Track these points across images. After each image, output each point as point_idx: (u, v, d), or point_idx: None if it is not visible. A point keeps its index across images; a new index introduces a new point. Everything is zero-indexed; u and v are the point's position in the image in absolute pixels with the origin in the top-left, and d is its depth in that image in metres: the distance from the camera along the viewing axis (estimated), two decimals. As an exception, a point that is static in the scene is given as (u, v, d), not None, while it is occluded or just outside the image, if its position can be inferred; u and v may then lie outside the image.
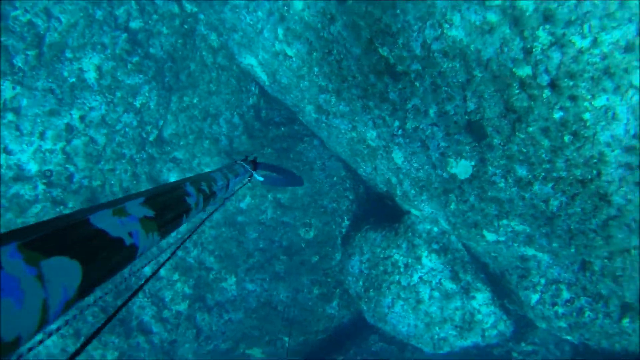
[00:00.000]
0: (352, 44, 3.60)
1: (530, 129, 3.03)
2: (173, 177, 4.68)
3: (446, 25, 3.02)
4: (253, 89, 5.10)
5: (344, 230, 5.28)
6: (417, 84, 3.42)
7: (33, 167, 4.00)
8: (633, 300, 3.45)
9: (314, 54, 3.93)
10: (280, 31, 4.03)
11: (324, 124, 4.54)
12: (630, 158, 2.77)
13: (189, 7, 4.81)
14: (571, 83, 2.73)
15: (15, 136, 3.90)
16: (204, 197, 1.34)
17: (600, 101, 2.72)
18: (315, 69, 4.05)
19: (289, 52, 4.12)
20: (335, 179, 5.26)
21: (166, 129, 4.64)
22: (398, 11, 3.18)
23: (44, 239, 0.65)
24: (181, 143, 4.71)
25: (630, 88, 2.63)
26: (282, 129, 5.24)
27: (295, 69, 4.20)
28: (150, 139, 4.51)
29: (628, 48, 2.61)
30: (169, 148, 4.69)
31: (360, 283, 4.80)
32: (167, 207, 1.06)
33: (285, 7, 3.87)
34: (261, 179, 2.25)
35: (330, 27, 3.63)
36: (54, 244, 0.65)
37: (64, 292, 0.65)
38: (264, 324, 5.19)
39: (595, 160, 2.89)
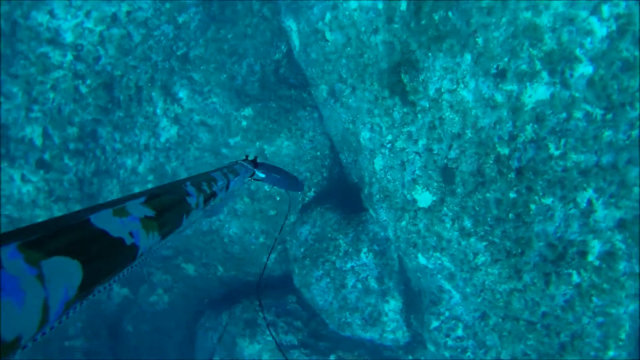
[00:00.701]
0: (383, 58, 4.09)
1: (488, 195, 3.63)
2: (182, 94, 5.13)
3: (461, 85, 3.55)
4: (282, 47, 5.52)
5: (307, 199, 5.85)
6: (419, 116, 3.95)
7: (69, 37, 4.38)
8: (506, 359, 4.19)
9: (348, 49, 4.40)
10: (328, 16, 4.47)
11: (329, 106, 5.04)
12: (548, 252, 3.42)
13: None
14: (532, 177, 3.33)
15: (64, 5, 4.26)
16: (205, 196, 1.38)
17: (547, 200, 3.33)
18: (343, 61, 4.52)
19: (327, 36, 4.57)
20: (318, 153, 5.78)
21: (194, 51, 5.05)
22: (430, 54, 3.68)
23: (45, 239, 0.66)
24: (202, 67, 5.14)
25: (572, 202, 3.25)
26: (292, 91, 5.70)
27: (327, 52, 4.66)
28: (178, 53, 4.93)
29: (584, 171, 3.21)
30: (190, 67, 5.12)
31: (302, 249, 5.41)
32: (168, 207, 1.09)
33: (342, -1, 4.30)
34: (263, 175, 2.35)
35: (371, 37, 4.10)
36: (54, 244, 0.67)
37: (65, 292, 0.66)
38: (207, 247, 5.78)
39: (523, 242, 3.52)
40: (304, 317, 5.70)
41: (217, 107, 5.34)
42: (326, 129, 5.56)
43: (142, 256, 0.93)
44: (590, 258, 3.42)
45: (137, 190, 5.24)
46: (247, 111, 5.41)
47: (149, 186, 5.29)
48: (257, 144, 5.54)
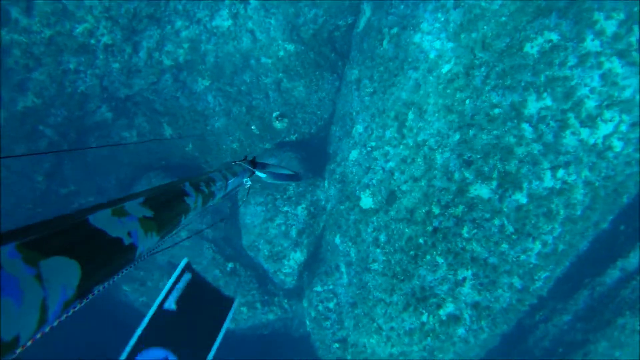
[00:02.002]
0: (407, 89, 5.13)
1: (407, 230, 4.83)
2: (253, 1, 5.98)
3: (439, 151, 4.67)
4: (349, 19, 6.40)
5: (287, 139, 6.86)
6: (401, 147, 5.05)
7: None
8: None
9: (390, 63, 5.39)
10: (395, 29, 5.42)
11: (350, 88, 6.03)
12: (418, 290, 4.70)
13: None
14: (440, 239, 4.54)
15: None
16: (203, 197, 1.42)
17: (439, 259, 4.57)
18: (381, 68, 5.51)
19: (384, 44, 5.53)
20: (318, 112, 6.78)
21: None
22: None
23: (43, 239, 0.69)
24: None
25: (453, 270, 4.50)
26: (332, 54, 6.62)
27: (375, 53, 5.63)
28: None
29: (474, 258, 4.44)
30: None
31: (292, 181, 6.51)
32: (166, 207, 1.11)
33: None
34: (264, 175, 2.40)
35: (411, 72, 5.12)
36: (53, 244, 0.70)
37: (63, 292, 0.69)
38: (190, 123, 6.74)
39: (407, 274, 4.77)
40: (227, 222, 6.86)
41: (270, 28, 6.23)
42: (336, 99, 6.57)
43: (141, 256, 0.94)
44: (441, 312, 4.72)
45: (170, 48, 6.12)
46: (290, 47, 6.34)
47: (180, 51, 6.18)
48: (280, 74, 6.49)
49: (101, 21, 5.56)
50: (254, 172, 2.23)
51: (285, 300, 6.54)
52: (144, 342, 1.98)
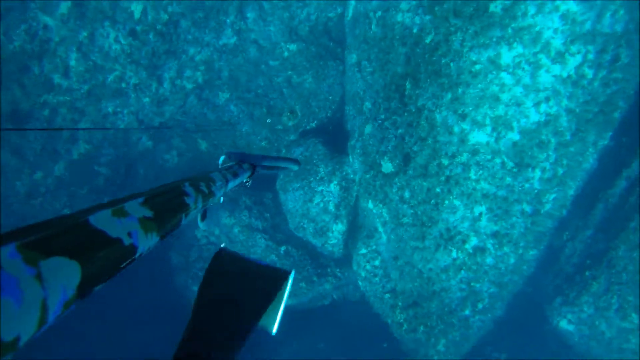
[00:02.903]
0: (401, 64, 5.98)
1: (424, 184, 5.73)
2: (250, 15, 6.89)
3: (437, 111, 5.54)
4: (338, 9, 7.25)
5: (308, 127, 7.80)
6: (405, 114, 5.93)
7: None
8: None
9: (382, 43, 6.24)
10: (379, 13, 6.26)
11: (353, 71, 6.90)
12: (444, 232, 5.62)
13: None
14: (454, 185, 5.44)
15: None
16: (203, 197, 1.45)
17: (456, 202, 5.46)
18: (375, 49, 6.36)
19: (372, 27, 6.37)
20: (330, 97, 7.68)
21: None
22: (429, 81, 5.61)
23: (43, 240, 0.71)
24: (273, 1, 6.90)
25: (470, 209, 5.39)
26: (331, 43, 7.49)
27: (367, 37, 6.48)
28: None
29: (485, 195, 5.32)
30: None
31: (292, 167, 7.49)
32: (166, 207, 1.16)
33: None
34: (264, 171, 2.44)
35: (399, 47, 5.96)
36: (53, 245, 0.72)
37: (63, 292, 0.70)
38: (221, 132, 7.74)
39: (433, 220, 5.70)
40: (272, 211, 7.86)
41: (271, 35, 7.15)
42: (343, 82, 7.45)
43: (141, 256, 0.98)
44: (467, 246, 5.64)
45: (189, 74, 7.11)
46: (292, 46, 7.24)
47: (198, 74, 7.15)
48: (289, 72, 7.40)
49: (127, 66, 6.56)
50: (254, 172, 2.22)
51: (337, 270, 7.52)
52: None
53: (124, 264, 0.91)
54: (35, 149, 6.76)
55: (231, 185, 1.85)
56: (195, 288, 7.97)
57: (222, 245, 1.92)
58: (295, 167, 2.65)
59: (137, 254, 0.96)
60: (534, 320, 7.49)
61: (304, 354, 7.88)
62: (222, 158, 2.17)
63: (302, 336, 8.05)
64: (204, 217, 1.96)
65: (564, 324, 7.09)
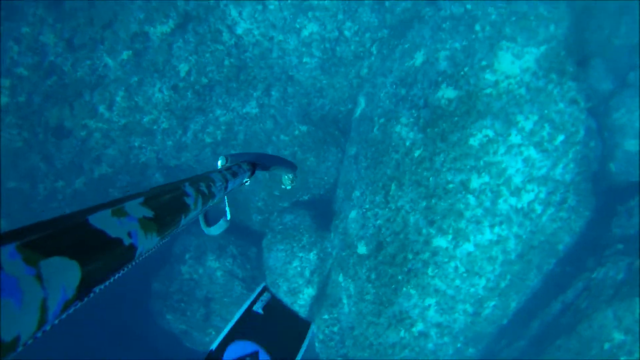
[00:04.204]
0: (390, 168, 7.35)
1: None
2: (274, 94, 8.30)
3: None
4: (349, 106, 8.72)
5: (301, 199, 9.07)
6: (389, 214, 7.24)
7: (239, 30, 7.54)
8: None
9: (380, 145, 7.63)
10: (382, 120, 7.69)
11: (349, 162, 8.26)
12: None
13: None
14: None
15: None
16: (203, 198, 1.47)
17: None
18: (373, 148, 7.75)
19: (375, 130, 7.79)
20: (325, 178, 9.00)
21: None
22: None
23: (43, 240, 0.72)
24: (297, 88, 8.34)
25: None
26: (336, 132, 8.91)
27: (369, 138, 7.89)
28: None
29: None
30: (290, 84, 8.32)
31: (280, 227, 8.71)
32: (166, 207, 1.18)
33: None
34: (263, 170, 2.47)
35: (392, 154, 7.36)
36: (53, 245, 0.73)
37: (63, 292, 0.72)
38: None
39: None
40: (253, 264, 9.00)
41: (288, 114, 8.54)
42: (340, 168, 8.80)
43: (141, 256, 1.01)
44: (414, 329, 6.82)
45: (210, 130, 8.42)
46: (303, 127, 8.64)
47: (218, 132, 8.47)
48: (295, 148, 8.74)
49: (162, 113, 7.87)
50: (254, 173, 2.25)
51: (299, 329, 8.60)
52: (235, 335, 1.98)
53: (124, 264, 0.93)
54: (64, 160, 7.92)
55: (231, 185, 1.87)
56: (169, 317, 8.99)
57: (264, 284, 1.94)
58: (292, 173, 2.71)
59: (137, 254, 0.98)
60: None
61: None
62: (220, 160, 2.19)
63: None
64: (208, 223, 2.02)
65: None
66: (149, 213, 1.06)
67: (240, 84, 8.09)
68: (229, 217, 2.13)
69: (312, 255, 8.18)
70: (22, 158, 7.67)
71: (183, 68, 7.67)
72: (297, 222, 8.55)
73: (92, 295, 0.83)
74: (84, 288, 0.78)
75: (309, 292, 8.16)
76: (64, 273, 0.73)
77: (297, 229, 8.42)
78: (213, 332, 8.74)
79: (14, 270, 0.63)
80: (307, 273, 8.14)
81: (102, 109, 7.62)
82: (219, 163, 2.17)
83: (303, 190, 8.98)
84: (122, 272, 0.94)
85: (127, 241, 0.92)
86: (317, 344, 8.16)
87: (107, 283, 0.88)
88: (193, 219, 1.58)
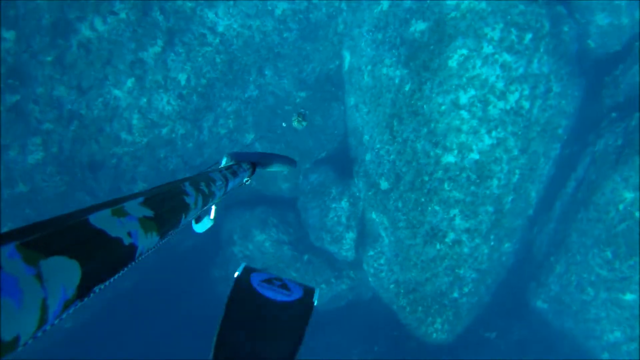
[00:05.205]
0: (387, 106, 8.20)
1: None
2: (268, 72, 9.16)
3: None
4: (337, 62, 9.52)
5: (320, 156, 10.00)
6: (398, 147, 8.14)
7: (220, 28, 8.39)
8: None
9: (372, 90, 8.47)
10: (369, 67, 8.51)
11: (352, 110, 9.12)
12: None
13: None
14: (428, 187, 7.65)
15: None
16: (203, 197, 1.49)
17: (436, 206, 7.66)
18: (368, 94, 8.60)
19: (365, 77, 8.61)
20: (335, 131, 9.88)
21: (285, 50, 9.07)
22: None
23: (43, 239, 0.74)
24: (285, 60, 9.17)
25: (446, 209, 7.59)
26: (332, 88, 9.74)
27: (361, 85, 8.72)
28: (275, 50, 8.96)
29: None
30: (279, 59, 9.15)
31: (309, 187, 9.69)
32: (167, 207, 1.20)
33: (379, 61, 8.35)
34: (263, 169, 2.50)
35: (385, 93, 8.20)
36: (53, 244, 0.74)
37: (63, 292, 0.73)
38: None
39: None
40: (295, 227, 10.02)
41: (285, 86, 9.41)
42: (345, 119, 9.68)
43: (141, 256, 1.03)
44: (447, 239, 7.80)
45: (222, 122, 9.36)
46: (302, 94, 9.51)
47: (229, 121, 9.40)
48: (301, 110, 9.63)
49: (176, 121, 8.83)
50: (254, 172, 2.27)
51: (351, 272, 9.65)
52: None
53: (125, 264, 0.94)
54: (104, 189, 8.97)
55: (231, 185, 1.89)
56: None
57: (242, 266, 1.85)
58: (293, 167, 2.68)
59: (137, 254, 0.99)
60: (518, 304, 9.58)
61: (330, 349, 9.94)
62: (224, 159, 2.22)
63: (327, 334, 10.13)
64: (198, 220, 2.03)
65: (539, 304, 9.20)
66: (149, 213, 1.08)
67: (236, 74, 8.96)
68: (213, 216, 2.11)
69: (344, 203, 9.16)
70: (69, 199, 8.73)
71: (182, 77, 8.55)
72: (322, 178, 9.52)
73: (92, 294, 0.84)
74: (85, 287, 0.79)
75: (350, 236, 9.17)
76: (64, 273, 0.74)
77: (323, 184, 9.40)
78: (279, 296, 9.84)
79: (14, 269, 0.64)
80: (343, 220, 9.14)
81: (123, 135, 8.59)
82: (224, 161, 2.22)
83: (319, 149, 9.90)
84: (122, 271, 0.95)
85: (127, 241, 0.94)
86: (370, 279, 9.22)
87: (107, 282, 0.89)
88: (194, 218, 1.63)
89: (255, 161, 2.31)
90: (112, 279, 0.91)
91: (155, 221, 1.09)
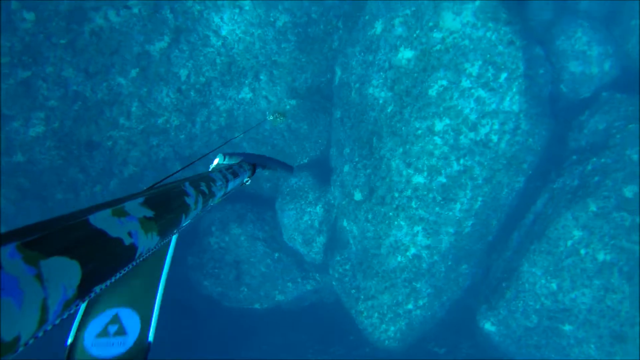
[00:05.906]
0: (368, 124, 8.91)
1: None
2: (263, 78, 9.84)
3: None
4: (328, 76, 10.22)
5: (302, 162, 10.68)
6: (375, 163, 8.83)
7: (223, 32, 9.06)
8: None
9: (359, 106, 9.17)
10: (357, 85, 9.22)
11: (337, 122, 9.81)
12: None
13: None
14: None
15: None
16: (203, 197, 1.51)
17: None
18: (353, 109, 9.30)
19: (352, 94, 9.32)
20: (320, 140, 10.58)
21: (281, 58, 9.76)
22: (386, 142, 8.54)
23: (44, 239, 0.74)
24: (280, 69, 9.86)
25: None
26: (322, 100, 10.45)
27: (349, 100, 9.42)
28: (272, 58, 9.64)
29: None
30: (274, 67, 9.83)
31: (288, 190, 10.36)
32: (167, 207, 1.21)
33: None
34: (262, 169, 2.55)
35: (370, 112, 8.91)
36: (53, 244, 0.75)
37: (64, 292, 0.73)
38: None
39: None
40: (270, 225, 10.66)
41: (277, 92, 10.08)
42: (330, 130, 10.36)
43: (141, 256, 1.03)
44: (408, 253, 8.50)
45: (214, 119, 10.00)
46: (293, 101, 10.17)
47: (221, 119, 10.04)
48: (289, 121, 10.29)
49: (172, 113, 9.46)
50: (254, 172, 2.27)
51: (317, 274, 10.31)
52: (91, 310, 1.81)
53: (125, 264, 0.95)
54: (97, 168, 9.57)
55: (231, 185, 1.87)
56: (207, 283, 10.74)
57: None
58: (289, 173, 2.64)
59: (137, 254, 1.00)
60: (469, 324, 10.28)
61: (288, 347, 10.57)
62: (218, 158, 2.21)
63: (287, 332, 10.76)
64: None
65: (487, 326, 9.89)
66: (149, 213, 1.09)
67: (233, 76, 9.62)
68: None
69: (319, 209, 9.84)
70: (63, 173, 9.33)
71: (183, 73, 9.20)
72: (302, 183, 10.19)
73: (92, 294, 0.85)
74: (85, 287, 0.80)
75: (320, 240, 9.85)
76: (65, 273, 0.75)
77: (302, 189, 10.07)
78: (245, 290, 10.44)
79: (14, 270, 0.65)
80: (316, 224, 9.81)
81: (122, 120, 9.20)
82: (217, 160, 2.22)
83: (302, 155, 10.58)
84: (122, 272, 0.95)
85: (127, 241, 0.95)
86: (334, 283, 9.89)
87: (107, 282, 0.90)
88: (194, 218, 1.64)
89: (255, 162, 2.36)
90: (112, 279, 0.92)
91: (155, 221, 1.11)
